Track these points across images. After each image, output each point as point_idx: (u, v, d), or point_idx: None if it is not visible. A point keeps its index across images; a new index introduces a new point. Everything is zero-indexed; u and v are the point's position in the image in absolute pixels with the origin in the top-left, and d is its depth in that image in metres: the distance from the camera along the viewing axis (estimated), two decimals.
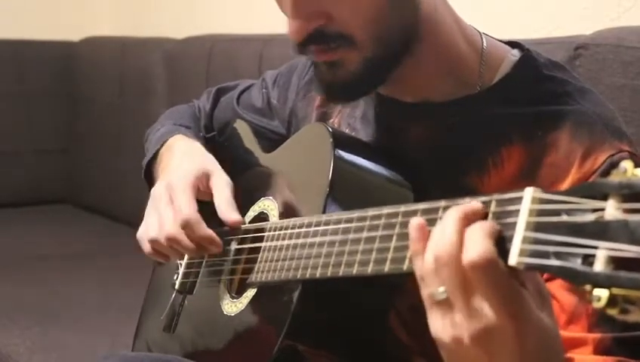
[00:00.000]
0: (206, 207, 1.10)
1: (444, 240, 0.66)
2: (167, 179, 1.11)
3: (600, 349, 0.83)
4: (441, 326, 0.68)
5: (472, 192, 0.91)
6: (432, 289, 0.68)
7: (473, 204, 0.68)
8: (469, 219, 0.67)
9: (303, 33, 0.91)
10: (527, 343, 0.65)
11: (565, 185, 0.89)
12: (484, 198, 0.67)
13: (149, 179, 1.29)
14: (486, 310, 0.65)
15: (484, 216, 0.67)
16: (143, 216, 1.14)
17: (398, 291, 0.92)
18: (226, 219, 1.07)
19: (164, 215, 1.07)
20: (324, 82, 0.97)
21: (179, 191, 1.08)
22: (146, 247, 1.11)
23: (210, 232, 1.06)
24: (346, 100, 1.03)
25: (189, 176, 1.10)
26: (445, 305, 0.67)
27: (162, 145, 1.24)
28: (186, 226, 1.05)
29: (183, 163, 1.14)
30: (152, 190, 1.13)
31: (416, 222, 0.70)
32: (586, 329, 0.84)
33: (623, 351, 0.83)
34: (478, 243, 0.64)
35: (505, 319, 0.64)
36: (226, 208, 1.08)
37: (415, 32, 0.95)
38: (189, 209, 1.06)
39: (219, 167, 1.14)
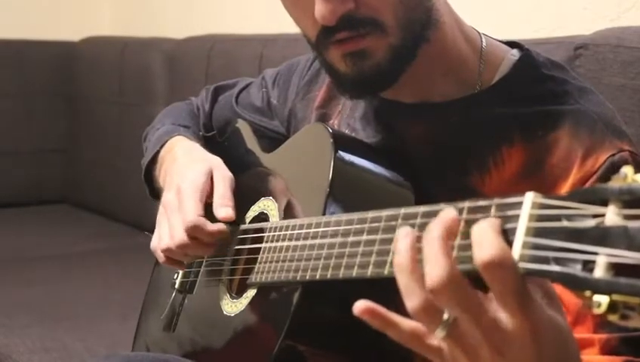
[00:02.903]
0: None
1: (435, 269, 0.63)
2: (177, 186, 1.10)
3: (607, 349, 0.83)
4: (453, 355, 0.66)
5: (473, 192, 0.91)
6: (435, 331, 0.65)
7: (445, 216, 0.65)
8: (452, 232, 0.65)
9: (336, 14, 0.89)
10: (544, 342, 0.64)
11: (566, 184, 0.89)
12: (483, 202, 0.66)
13: (148, 180, 1.28)
14: (501, 316, 0.63)
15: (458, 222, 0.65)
16: (143, 215, 1.15)
17: (399, 290, 0.92)
18: (216, 215, 1.07)
19: (174, 223, 1.07)
20: (348, 76, 0.95)
21: (186, 197, 1.07)
22: (161, 257, 1.10)
23: (215, 227, 1.05)
24: (370, 93, 1.01)
25: (197, 180, 1.09)
26: (452, 333, 0.65)
27: (162, 147, 1.24)
28: (193, 230, 1.04)
29: (187, 166, 1.13)
30: (162, 198, 1.12)
31: (403, 261, 0.66)
32: (591, 329, 0.84)
33: (630, 351, 0.83)
34: (491, 243, 0.61)
35: (521, 321, 0.62)
36: (217, 204, 1.07)
37: (432, 18, 0.94)
38: (194, 213, 1.05)
39: (221, 162, 1.13)
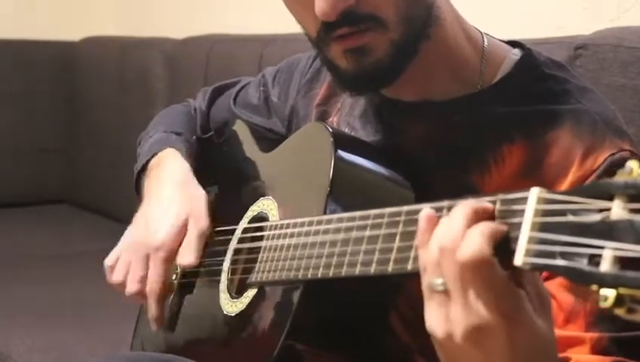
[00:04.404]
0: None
1: (450, 232, 0.66)
2: (152, 239, 1.12)
3: (597, 349, 0.83)
4: (435, 318, 0.69)
5: (474, 191, 0.91)
6: (431, 279, 0.68)
7: (484, 203, 0.68)
8: (477, 217, 0.67)
9: (337, 10, 0.89)
10: (519, 344, 0.65)
11: (566, 183, 0.90)
12: (489, 198, 0.67)
13: (138, 186, 1.28)
14: (479, 307, 0.65)
15: (492, 218, 0.67)
16: None
17: (400, 290, 0.92)
18: (177, 261, 1.11)
19: (133, 276, 1.13)
20: (349, 73, 0.95)
21: (157, 263, 1.11)
22: (109, 278, 1.17)
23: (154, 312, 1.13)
24: (371, 90, 1.01)
25: (170, 235, 1.11)
26: (442, 297, 0.68)
27: (152, 157, 1.24)
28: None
29: (167, 210, 1.14)
30: (135, 232, 1.16)
31: (426, 213, 0.70)
32: (583, 328, 0.84)
33: (621, 351, 0.83)
34: (472, 243, 0.64)
35: (496, 318, 0.65)
36: (181, 252, 1.11)
37: (433, 15, 0.95)
38: (157, 282, 1.11)
39: (201, 205, 1.14)
